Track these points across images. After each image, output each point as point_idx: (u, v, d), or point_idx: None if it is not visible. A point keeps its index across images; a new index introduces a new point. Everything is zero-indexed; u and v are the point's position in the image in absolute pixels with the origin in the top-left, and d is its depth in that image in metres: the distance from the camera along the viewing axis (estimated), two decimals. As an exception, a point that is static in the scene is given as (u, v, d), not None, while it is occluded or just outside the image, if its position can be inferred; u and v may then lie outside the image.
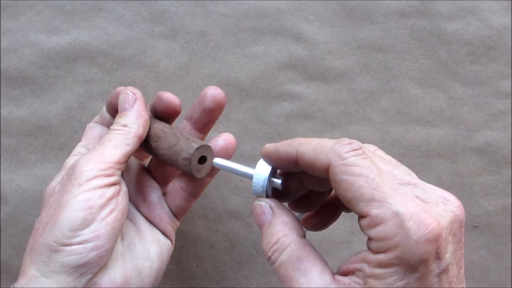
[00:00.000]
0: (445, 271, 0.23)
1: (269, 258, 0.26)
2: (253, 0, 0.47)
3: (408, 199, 0.23)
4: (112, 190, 0.29)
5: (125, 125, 0.32)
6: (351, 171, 0.23)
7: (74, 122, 0.45)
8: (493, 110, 0.45)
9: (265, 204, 0.28)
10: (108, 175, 0.29)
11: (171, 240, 0.35)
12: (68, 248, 0.26)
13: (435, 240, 0.22)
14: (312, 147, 0.25)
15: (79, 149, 0.35)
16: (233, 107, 0.45)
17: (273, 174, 0.30)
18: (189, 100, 0.46)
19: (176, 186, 0.35)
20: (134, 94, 0.33)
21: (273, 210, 0.28)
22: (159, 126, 0.34)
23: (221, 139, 0.34)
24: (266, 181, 0.29)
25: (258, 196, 0.29)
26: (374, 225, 0.22)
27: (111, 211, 0.28)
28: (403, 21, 0.46)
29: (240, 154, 0.45)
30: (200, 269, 0.43)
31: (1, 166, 0.45)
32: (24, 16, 0.46)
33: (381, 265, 0.22)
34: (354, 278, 0.24)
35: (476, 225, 0.44)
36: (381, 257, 0.22)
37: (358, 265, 0.24)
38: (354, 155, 0.24)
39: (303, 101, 0.46)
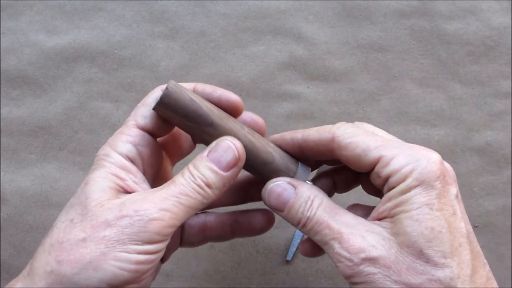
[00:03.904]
0: (457, 197, 0.27)
1: (307, 218, 0.28)
2: (253, 0, 0.47)
3: (404, 143, 0.28)
4: (162, 254, 0.26)
5: (209, 186, 0.27)
6: (353, 133, 0.28)
7: (74, 122, 0.45)
8: (493, 110, 0.45)
9: (283, 182, 0.29)
10: (167, 240, 0.26)
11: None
12: None
13: (440, 162, 0.26)
14: (315, 129, 0.30)
15: (114, 157, 0.28)
16: (233, 107, 0.45)
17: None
18: (189, 100, 0.46)
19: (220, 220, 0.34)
20: (238, 155, 0.28)
21: (292, 184, 0.29)
22: (241, 131, 0.29)
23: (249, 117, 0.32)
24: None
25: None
26: (388, 162, 0.26)
27: (151, 274, 0.27)
28: (403, 21, 0.46)
29: (240, 154, 0.45)
30: (200, 269, 0.43)
31: (1, 166, 0.45)
32: (24, 16, 0.46)
33: (403, 192, 0.26)
34: (381, 222, 0.27)
35: (476, 225, 0.44)
36: (401, 186, 0.26)
37: (381, 208, 0.27)
38: (352, 127, 0.29)
39: (303, 101, 0.46)
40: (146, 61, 0.46)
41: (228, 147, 0.28)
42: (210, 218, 0.34)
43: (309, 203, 0.28)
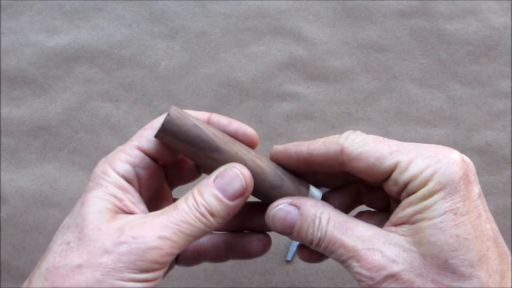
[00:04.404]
0: (480, 195, 0.25)
1: (318, 239, 0.26)
2: (253, 0, 0.47)
3: (420, 144, 0.26)
4: (159, 281, 0.26)
5: (213, 215, 0.26)
6: (363, 142, 0.26)
7: (74, 122, 0.45)
8: (493, 110, 0.45)
9: (284, 205, 0.28)
10: (165, 267, 0.25)
11: None
12: None
13: (462, 161, 0.25)
14: (321, 141, 0.28)
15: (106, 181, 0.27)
16: (233, 107, 0.45)
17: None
18: (189, 100, 0.45)
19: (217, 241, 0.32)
20: (245, 185, 0.27)
21: (294, 204, 0.28)
22: (247, 156, 0.28)
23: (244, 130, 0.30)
24: None
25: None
26: (406, 167, 0.25)
27: None
28: (403, 21, 0.46)
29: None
30: (200, 269, 0.43)
31: (1, 166, 0.45)
32: (24, 16, 0.46)
33: (424, 197, 0.24)
34: (399, 228, 0.25)
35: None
36: (423, 191, 0.24)
37: (400, 214, 0.25)
38: (360, 135, 0.27)
39: (303, 101, 0.46)
40: (146, 61, 0.46)
41: (235, 176, 0.26)
42: (204, 240, 0.32)
43: (317, 222, 0.26)
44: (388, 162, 0.25)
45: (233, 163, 0.27)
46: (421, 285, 0.23)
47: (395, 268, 0.24)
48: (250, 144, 0.30)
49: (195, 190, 0.26)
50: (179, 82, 0.46)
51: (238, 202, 0.27)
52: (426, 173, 0.24)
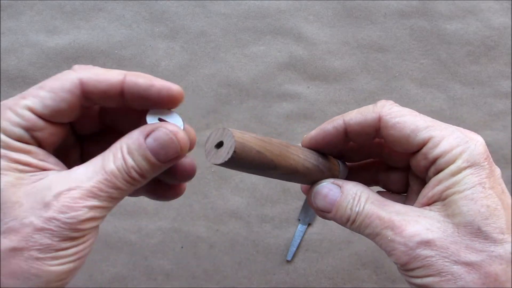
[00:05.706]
0: (500, 176, 0.27)
1: (356, 213, 0.28)
2: (253, 0, 0.47)
3: (451, 125, 0.27)
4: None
5: (143, 177, 0.25)
6: (400, 113, 0.28)
7: (74, 122, 0.45)
8: (493, 110, 0.45)
9: (327, 183, 0.30)
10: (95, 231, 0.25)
11: None
12: None
13: (485, 145, 0.27)
14: (356, 111, 0.29)
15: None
16: (233, 107, 0.46)
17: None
18: (189, 100, 0.46)
19: None
20: (180, 151, 0.25)
21: (337, 184, 0.29)
22: (299, 163, 0.29)
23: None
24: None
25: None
26: (437, 143, 0.26)
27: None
28: (403, 21, 0.46)
29: (240, 154, 0.45)
30: (200, 269, 0.43)
31: (1, 166, 0.45)
32: (24, 16, 0.46)
33: (454, 173, 0.26)
34: (433, 206, 0.27)
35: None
36: (451, 168, 0.26)
37: (430, 192, 0.27)
38: (396, 106, 0.28)
39: (303, 101, 0.46)
40: (146, 61, 0.46)
41: (171, 141, 0.24)
42: None
43: (356, 199, 0.28)
44: (423, 135, 0.27)
45: (166, 124, 0.25)
46: (454, 251, 0.25)
47: (429, 235, 0.25)
48: (175, 102, 0.26)
49: (124, 148, 0.24)
50: (179, 82, 0.46)
51: (171, 163, 0.25)
52: (455, 151, 0.26)
